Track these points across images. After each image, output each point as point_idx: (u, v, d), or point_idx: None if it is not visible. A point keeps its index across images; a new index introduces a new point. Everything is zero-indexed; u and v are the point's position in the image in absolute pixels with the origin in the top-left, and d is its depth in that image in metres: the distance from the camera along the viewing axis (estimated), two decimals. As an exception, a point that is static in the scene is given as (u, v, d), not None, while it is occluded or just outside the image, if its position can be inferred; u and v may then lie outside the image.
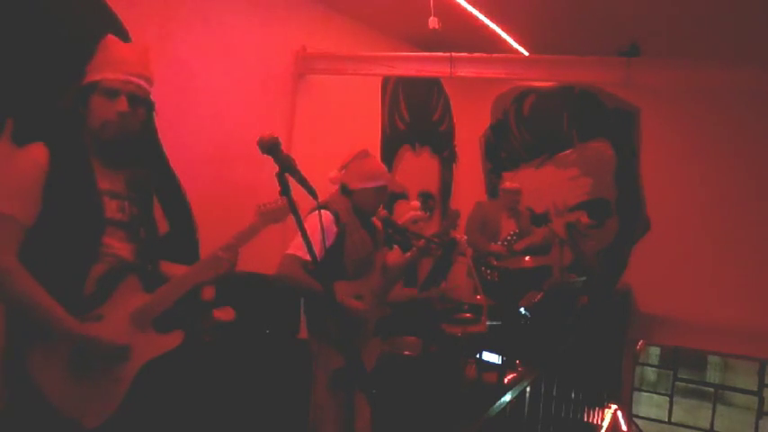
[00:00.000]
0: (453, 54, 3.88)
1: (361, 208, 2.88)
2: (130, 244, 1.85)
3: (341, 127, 4.70)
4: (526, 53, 5.15)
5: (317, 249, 1.84)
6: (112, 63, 1.83)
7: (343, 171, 2.90)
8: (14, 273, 1.67)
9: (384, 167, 3.00)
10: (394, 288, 3.17)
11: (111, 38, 1.89)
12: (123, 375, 1.79)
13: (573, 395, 4.33)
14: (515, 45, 5.10)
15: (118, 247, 1.82)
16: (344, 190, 2.86)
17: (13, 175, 1.75)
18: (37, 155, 1.74)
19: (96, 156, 1.83)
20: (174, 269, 2.03)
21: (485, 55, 3.93)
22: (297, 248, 2.62)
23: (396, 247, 3.57)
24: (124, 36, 2.91)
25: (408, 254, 3.08)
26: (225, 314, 3.12)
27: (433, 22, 3.99)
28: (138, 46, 1.95)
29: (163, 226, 2.06)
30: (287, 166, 1.71)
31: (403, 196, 5.47)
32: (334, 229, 2.74)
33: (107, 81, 1.80)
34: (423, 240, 3.04)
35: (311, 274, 2.59)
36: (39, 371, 1.68)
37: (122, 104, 1.80)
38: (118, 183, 1.87)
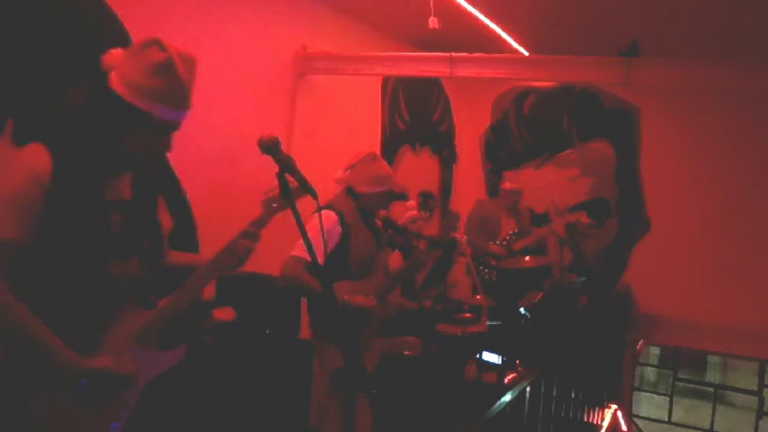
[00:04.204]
0: (453, 54, 3.88)
1: (366, 210, 2.89)
2: (132, 257, 1.71)
3: (341, 127, 4.70)
4: (526, 53, 5.15)
5: (319, 250, 1.84)
6: (172, 97, 1.61)
7: (349, 172, 2.89)
8: (2, 301, 1.47)
9: (391, 172, 3.01)
10: (394, 291, 3.18)
11: (176, 59, 1.59)
12: (128, 399, 1.68)
13: (573, 395, 4.33)
14: (515, 45, 5.10)
15: (120, 263, 1.67)
16: (351, 192, 2.86)
17: (3, 189, 1.52)
18: (36, 165, 1.53)
19: (101, 164, 1.64)
20: (181, 258, 1.92)
21: (485, 55, 3.93)
22: (300, 250, 2.63)
23: (396, 251, 3.56)
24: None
25: (408, 261, 3.09)
26: (225, 314, 3.11)
27: (433, 22, 3.99)
28: (190, 62, 1.65)
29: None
30: (287, 166, 1.69)
31: (402, 197, 5.47)
32: (339, 229, 2.75)
33: (162, 120, 1.61)
34: (423, 241, 3.05)
35: (314, 275, 2.60)
36: (40, 412, 1.54)
37: (168, 144, 1.68)
38: (122, 189, 1.71)
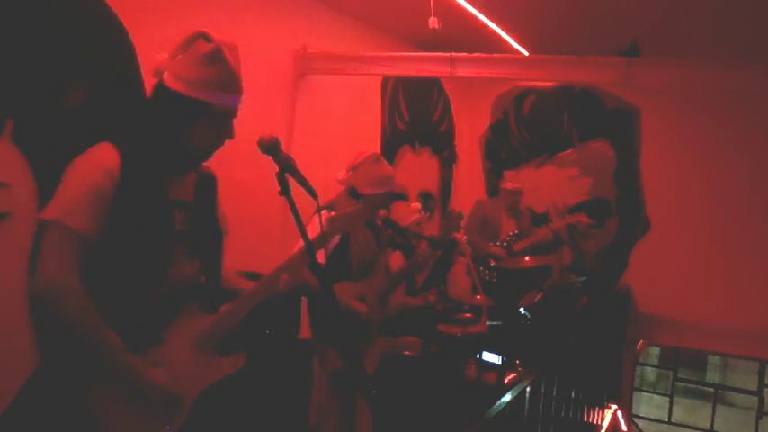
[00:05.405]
0: (453, 54, 3.88)
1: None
2: (194, 258, 1.73)
3: (341, 127, 4.70)
4: (526, 53, 5.15)
5: (319, 251, 1.84)
6: (226, 84, 1.68)
7: (352, 173, 2.89)
8: (73, 295, 1.51)
9: (393, 172, 3.00)
10: (395, 291, 3.17)
11: (223, 47, 1.67)
12: (183, 404, 1.70)
13: (573, 395, 4.33)
14: (515, 45, 5.10)
15: (182, 263, 1.70)
16: (353, 193, 2.86)
17: (79, 182, 1.56)
18: (108, 160, 1.58)
19: (167, 161, 1.69)
20: (237, 280, 1.94)
21: (485, 55, 3.93)
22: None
23: (397, 251, 3.56)
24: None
25: (409, 261, 3.09)
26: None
27: (433, 22, 3.99)
28: (234, 47, 1.74)
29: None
30: (287, 166, 1.70)
31: (402, 197, 5.47)
32: (340, 229, 2.75)
33: (221, 107, 1.68)
34: (423, 242, 3.05)
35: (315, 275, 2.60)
36: (98, 400, 1.57)
37: (231, 132, 1.75)
38: (185, 189, 1.75)
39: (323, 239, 1.84)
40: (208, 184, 1.86)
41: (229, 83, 1.69)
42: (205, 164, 1.87)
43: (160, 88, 1.66)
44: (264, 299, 1.79)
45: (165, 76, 1.65)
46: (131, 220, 1.58)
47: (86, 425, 1.56)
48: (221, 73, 1.66)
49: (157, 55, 1.68)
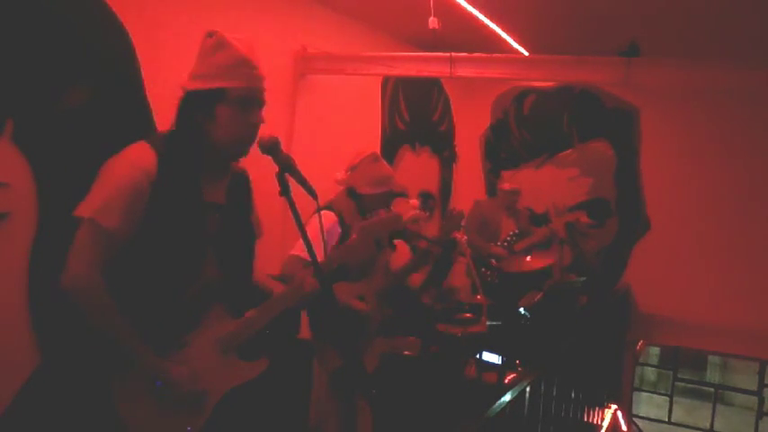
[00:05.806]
0: (453, 54, 3.88)
1: (367, 211, 2.89)
2: (222, 260, 1.74)
3: (341, 127, 4.70)
4: (526, 53, 5.15)
5: (319, 251, 1.84)
6: (236, 67, 1.68)
7: (351, 173, 2.89)
8: (96, 294, 1.54)
9: (392, 172, 3.00)
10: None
11: (227, 36, 1.71)
12: (205, 406, 1.72)
13: (573, 395, 4.33)
14: (515, 45, 5.10)
15: (212, 265, 1.72)
16: (352, 193, 2.86)
17: (115, 181, 1.57)
18: (144, 160, 1.60)
19: (202, 163, 1.71)
20: (269, 282, 1.96)
21: (485, 55, 3.93)
22: (300, 250, 2.63)
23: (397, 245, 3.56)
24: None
25: (411, 258, 3.09)
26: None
27: (433, 23, 3.99)
28: (247, 41, 1.75)
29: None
30: (287, 166, 1.70)
31: (402, 196, 5.46)
32: (338, 230, 2.75)
33: (238, 91, 1.68)
34: (423, 241, 3.05)
35: (314, 275, 2.60)
36: (123, 400, 1.60)
37: (257, 116, 1.73)
38: (219, 192, 1.76)
39: (353, 250, 1.84)
40: (241, 184, 1.87)
41: (240, 66, 1.70)
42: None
43: (185, 95, 1.70)
44: (292, 304, 1.80)
45: (188, 84, 1.71)
46: (165, 221, 1.60)
47: (112, 425, 1.58)
48: (228, 58, 1.68)
49: (185, 74, 1.74)
